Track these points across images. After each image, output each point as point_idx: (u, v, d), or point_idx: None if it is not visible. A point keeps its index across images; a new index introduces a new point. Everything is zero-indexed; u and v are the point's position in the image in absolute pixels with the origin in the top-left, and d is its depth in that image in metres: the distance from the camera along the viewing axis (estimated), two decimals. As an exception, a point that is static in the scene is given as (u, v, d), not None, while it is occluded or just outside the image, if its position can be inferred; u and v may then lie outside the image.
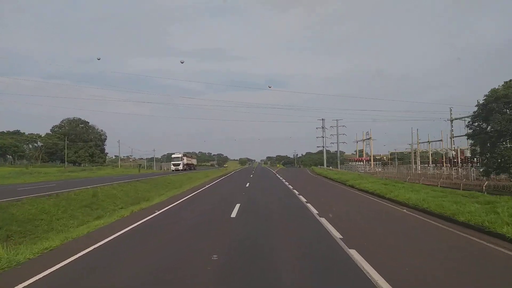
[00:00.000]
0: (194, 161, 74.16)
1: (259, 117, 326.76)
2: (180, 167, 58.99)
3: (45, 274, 5.97)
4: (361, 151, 73.99)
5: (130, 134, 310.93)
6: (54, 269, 6.27)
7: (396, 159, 70.60)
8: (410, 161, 57.94)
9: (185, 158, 62.71)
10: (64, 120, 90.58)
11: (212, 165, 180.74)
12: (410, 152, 56.43)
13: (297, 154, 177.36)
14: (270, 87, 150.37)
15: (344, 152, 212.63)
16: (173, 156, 63.18)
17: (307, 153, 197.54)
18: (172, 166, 61.79)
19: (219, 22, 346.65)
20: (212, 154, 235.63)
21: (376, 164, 68.02)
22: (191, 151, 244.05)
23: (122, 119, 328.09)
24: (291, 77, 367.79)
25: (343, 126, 78.18)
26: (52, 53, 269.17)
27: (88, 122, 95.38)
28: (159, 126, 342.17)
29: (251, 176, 46.32)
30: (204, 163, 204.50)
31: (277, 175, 48.36)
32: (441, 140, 48.66)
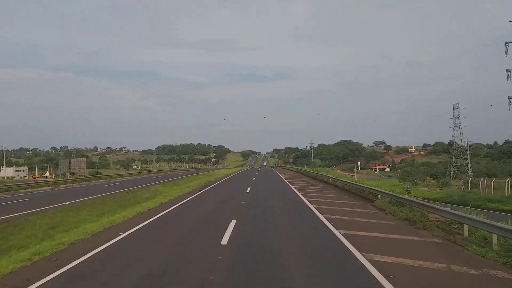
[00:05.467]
0: None
1: (265, 108, 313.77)
2: None
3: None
4: None
5: (130, 125, 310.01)
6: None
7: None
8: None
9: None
10: None
11: (208, 159, 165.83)
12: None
13: (312, 145, 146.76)
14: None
15: (362, 144, 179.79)
16: None
17: (320, 145, 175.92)
18: None
19: (225, 13, 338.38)
20: (212, 146, 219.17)
21: None
22: (188, 143, 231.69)
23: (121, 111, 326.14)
24: (299, 68, 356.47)
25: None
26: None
27: None
28: (157, 118, 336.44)
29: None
30: (201, 156, 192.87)
31: None
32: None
